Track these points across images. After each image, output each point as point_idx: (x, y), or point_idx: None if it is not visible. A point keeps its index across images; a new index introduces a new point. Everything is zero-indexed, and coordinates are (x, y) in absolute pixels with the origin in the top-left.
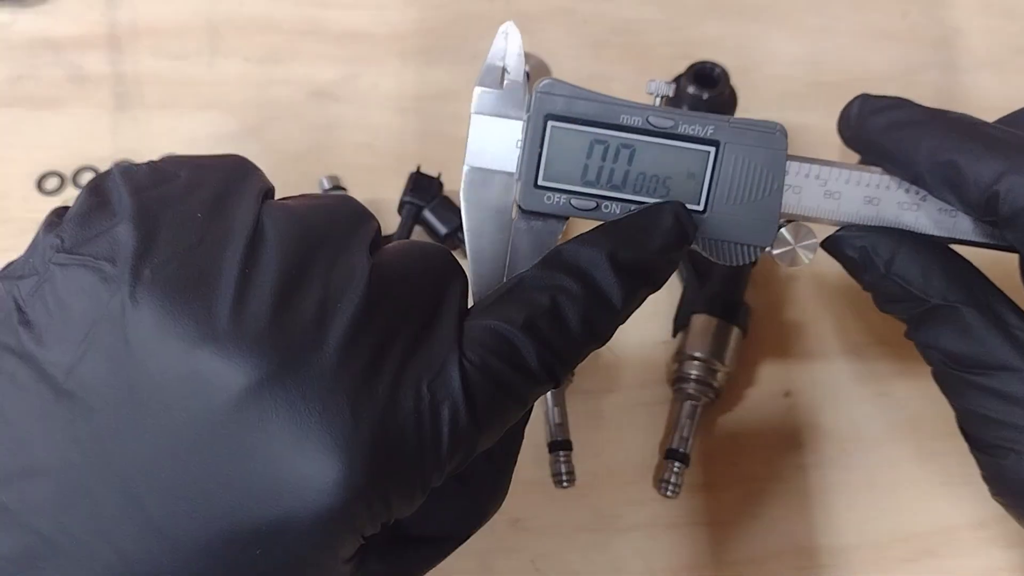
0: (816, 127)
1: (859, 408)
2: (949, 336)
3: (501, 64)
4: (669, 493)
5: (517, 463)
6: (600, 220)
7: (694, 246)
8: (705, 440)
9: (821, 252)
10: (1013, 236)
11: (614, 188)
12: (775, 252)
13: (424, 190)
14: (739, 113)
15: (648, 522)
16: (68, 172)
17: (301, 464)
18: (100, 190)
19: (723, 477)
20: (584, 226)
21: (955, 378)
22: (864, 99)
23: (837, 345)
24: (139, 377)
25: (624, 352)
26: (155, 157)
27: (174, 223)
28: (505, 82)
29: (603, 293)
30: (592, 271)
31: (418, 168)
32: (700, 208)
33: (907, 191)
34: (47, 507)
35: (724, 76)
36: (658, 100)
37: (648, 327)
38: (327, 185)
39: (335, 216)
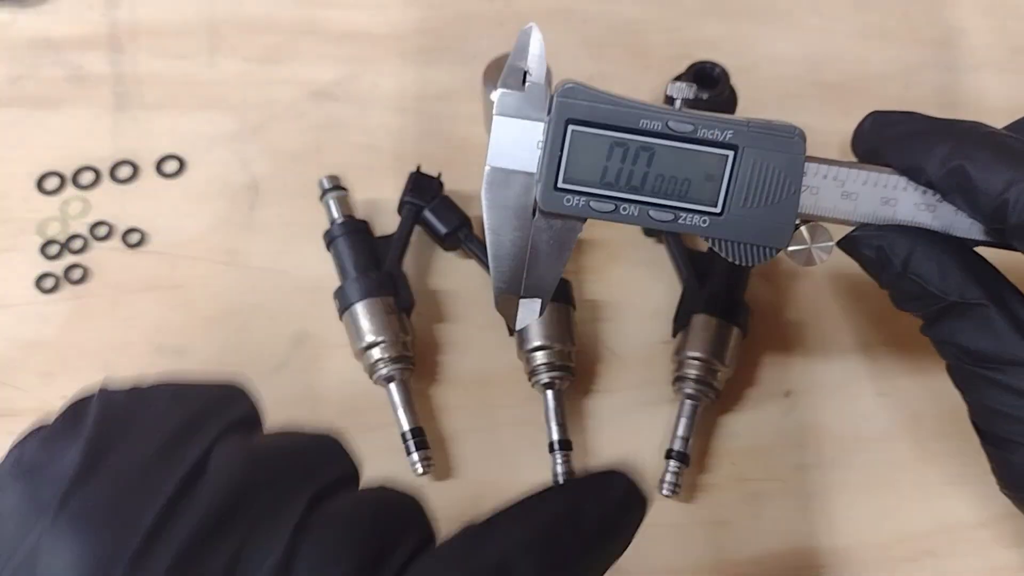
0: (816, 127)
1: (859, 408)
2: (965, 332)
3: (523, 66)
4: (669, 493)
5: (517, 463)
6: (618, 222)
7: (711, 246)
8: (705, 440)
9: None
10: (1020, 244)
11: (633, 190)
12: (790, 251)
13: (424, 190)
14: (739, 113)
15: (648, 522)
16: (68, 172)
17: None
18: (76, 411)
19: (723, 477)
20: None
21: (970, 373)
22: (875, 115)
23: (837, 345)
24: None
25: (624, 352)
26: (154, 157)
27: (122, 459)
28: (527, 84)
29: None
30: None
31: (418, 168)
32: (717, 210)
33: (923, 192)
34: None
35: (724, 76)
36: (678, 103)
37: (648, 327)
38: (327, 185)
39: (288, 464)
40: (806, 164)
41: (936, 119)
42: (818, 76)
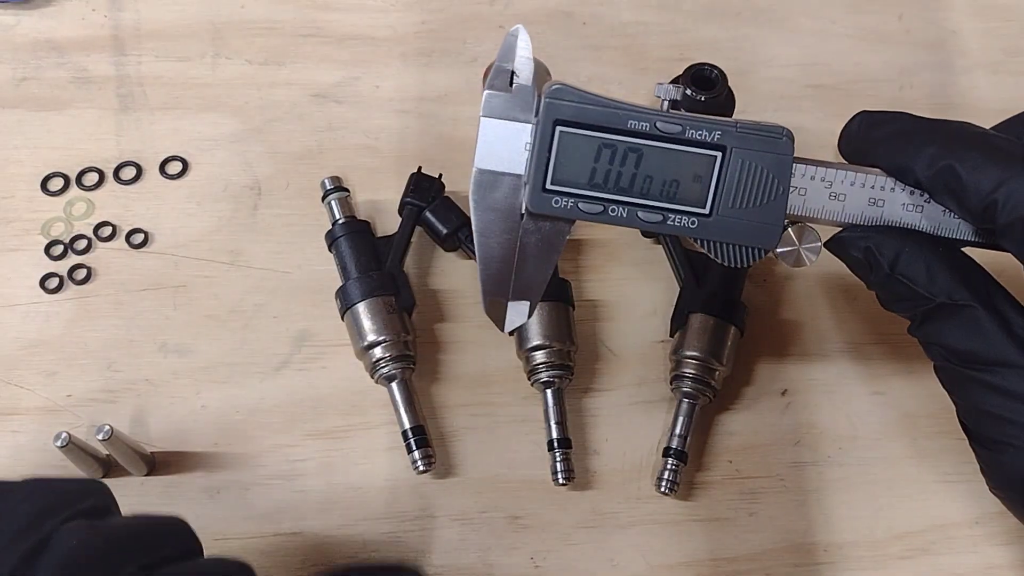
0: (812, 129)
1: (856, 407)
2: (953, 333)
3: (510, 67)
4: (667, 490)
5: (517, 461)
6: (607, 224)
7: (699, 247)
8: (702, 438)
9: (822, 252)
10: (1009, 244)
11: (621, 191)
12: (779, 252)
13: (425, 191)
14: (736, 115)
15: (646, 519)
16: (72, 173)
17: None
18: None
19: (720, 475)
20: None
21: (957, 374)
22: (864, 115)
23: (834, 344)
24: None
25: (622, 351)
26: (158, 158)
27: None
28: (514, 85)
29: None
30: None
31: (419, 169)
32: (706, 211)
33: (911, 193)
34: None
35: (721, 78)
36: (665, 104)
37: (646, 326)
38: (329, 186)
39: (125, 539)
40: (794, 165)
41: (924, 119)
42: (814, 78)
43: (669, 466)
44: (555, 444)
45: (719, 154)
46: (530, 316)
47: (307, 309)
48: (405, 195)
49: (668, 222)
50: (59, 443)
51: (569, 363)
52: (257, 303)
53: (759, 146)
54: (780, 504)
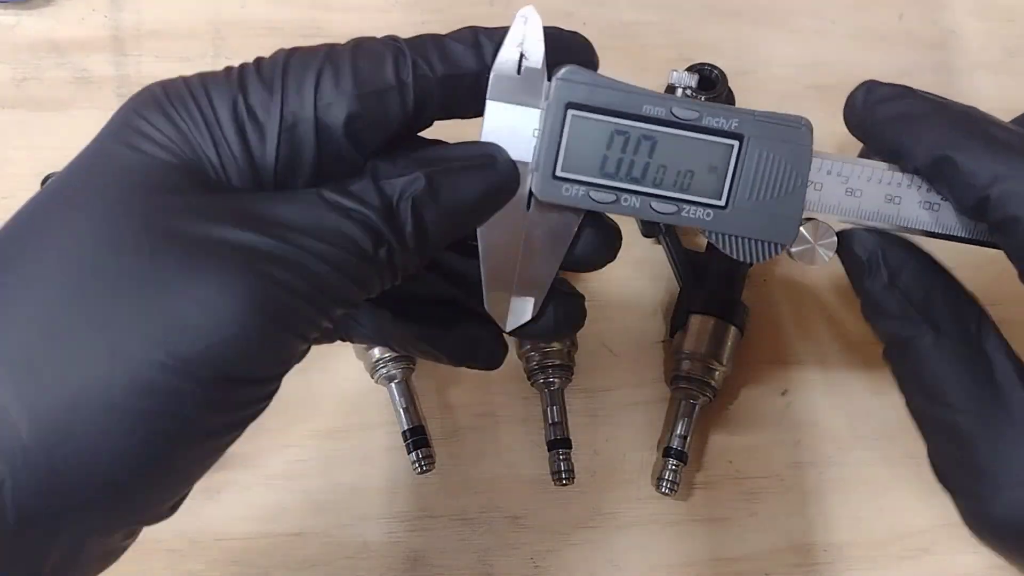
0: (814, 128)
1: (855, 407)
2: (930, 368)
3: (519, 49)
4: (667, 491)
5: (517, 461)
6: (619, 214)
7: (715, 242)
8: (703, 438)
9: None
10: (1001, 241)
11: (633, 181)
12: (793, 250)
13: None
14: None
15: (646, 519)
16: None
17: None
18: None
19: (720, 475)
20: None
21: (930, 414)
22: (869, 86)
23: (834, 345)
24: None
25: (622, 351)
26: None
27: None
28: (523, 68)
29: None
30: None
31: None
32: (721, 203)
33: (929, 190)
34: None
35: (722, 78)
36: (680, 91)
37: (646, 326)
38: None
39: None
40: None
41: (929, 100)
42: (815, 79)
43: (669, 466)
44: (555, 444)
45: (736, 143)
46: (534, 313)
47: None
48: None
49: (683, 214)
50: None
51: (569, 363)
52: None
53: (778, 135)
54: (780, 504)
